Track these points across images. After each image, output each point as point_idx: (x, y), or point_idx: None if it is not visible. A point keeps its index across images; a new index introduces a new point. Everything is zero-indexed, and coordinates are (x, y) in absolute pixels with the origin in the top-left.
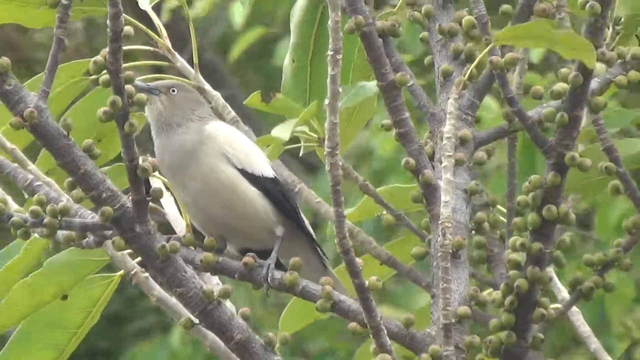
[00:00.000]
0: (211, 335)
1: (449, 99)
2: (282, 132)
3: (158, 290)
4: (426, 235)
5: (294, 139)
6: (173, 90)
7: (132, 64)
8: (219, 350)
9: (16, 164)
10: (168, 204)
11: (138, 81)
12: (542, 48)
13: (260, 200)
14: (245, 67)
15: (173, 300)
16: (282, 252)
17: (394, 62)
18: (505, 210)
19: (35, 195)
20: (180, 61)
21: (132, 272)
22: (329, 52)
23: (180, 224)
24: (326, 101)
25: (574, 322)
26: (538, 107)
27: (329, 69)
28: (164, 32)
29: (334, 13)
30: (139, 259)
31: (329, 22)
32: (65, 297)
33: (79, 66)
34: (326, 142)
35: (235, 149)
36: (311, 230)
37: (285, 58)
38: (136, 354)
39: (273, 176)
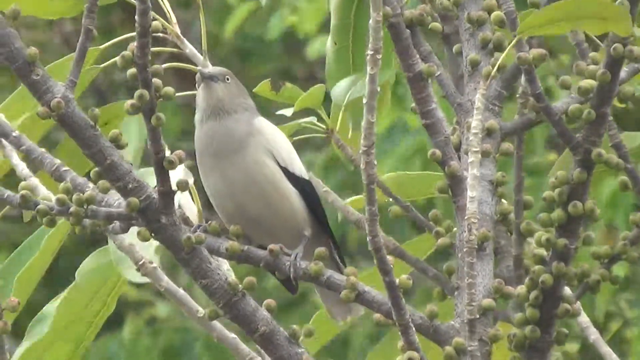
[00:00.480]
0: (219, 326)
1: (476, 89)
2: (286, 111)
3: (166, 280)
4: (433, 227)
5: (300, 130)
6: (227, 79)
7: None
8: (226, 342)
9: (43, 149)
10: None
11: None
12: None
13: (298, 200)
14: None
15: (181, 291)
16: (304, 254)
17: (422, 51)
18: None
19: (62, 184)
20: (189, 48)
21: (141, 263)
22: (369, 52)
23: (192, 212)
24: (364, 100)
25: None
26: (565, 97)
27: (368, 68)
28: (173, 19)
29: (375, 13)
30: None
31: (370, 21)
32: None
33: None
34: (362, 140)
35: (280, 147)
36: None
37: (327, 42)
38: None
39: (309, 178)
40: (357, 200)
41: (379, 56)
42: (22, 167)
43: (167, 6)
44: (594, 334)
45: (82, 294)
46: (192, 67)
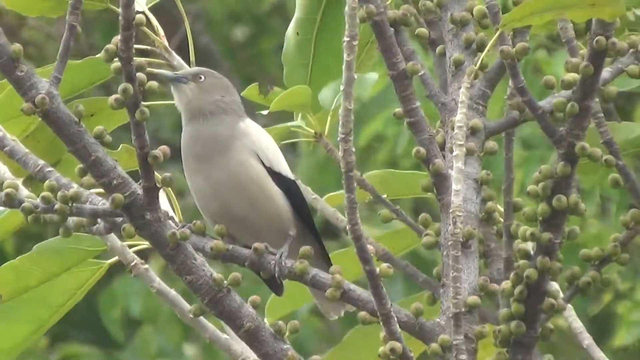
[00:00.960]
0: (211, 327)
1: (460, 88)
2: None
3: (158, 282)
4: (423, 230)
5: (290, 134)
6: (200, 77)
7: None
8: (219, 343)
9: (27, 150)
10: (160, 198)
11: (164, 71)
12: (550, 19)
13: (283, 200)
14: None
15: (173, 292)
16: (289, 254)
17: (405, 51)
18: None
19: (47, 181)
20: (177, 60)
21: (132, 264)
22: (345, 38)
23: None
24: (341, 87)
25: (567, 318)
26: (549, 97)
27: (345, 55)
28: (161, 32)
29: (351, 0)
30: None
31: (346, 8)
32: None
33: None
34: (340, 127)
35: (265, 148)
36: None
37: (289, 28)
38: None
39: (294, 178)
40: (335, 196)
41: (355, 42)
42: (4, 171)
43: (154, 20)
44: (587, 339)
45: (36, 267)
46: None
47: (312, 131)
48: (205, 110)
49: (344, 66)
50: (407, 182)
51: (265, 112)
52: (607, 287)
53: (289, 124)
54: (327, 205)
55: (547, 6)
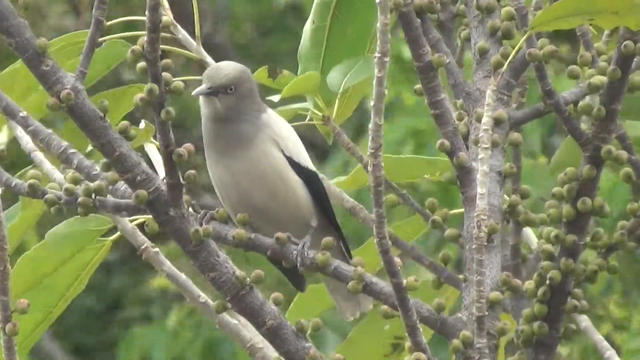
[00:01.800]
0: None
1: (485, 77)
2: (274, 97)
3: (168, 265)
4: (429, 214)
5: (298, 118)
6: (230, 89)
7: (134, 33)
8: (227, 328)
9: (51, 130)
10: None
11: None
12: (578, 24)
13: (303, 191)
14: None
15: (183, 276)
16: (311, 245)
17: (431, 39)
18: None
19: (69, 173)
20: (182, 33)
21: (143, 247)
22: (376, 54)
23: None
24: (371, 102)
25: None
26: (573, 87)
27: (376, 70)
28: (165, 4)
29: (383, 16)
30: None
31: (378, 24)
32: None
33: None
34: (370, 142)
35: (285, 138)
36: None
37: (307, 22)
38: (135, 338)
39: (315, 170)
40: (345, 182)
41: (387, 59)
42: (26, 141)
43: None
44: (584, 321)
45: (50, 254)
46: (185, 52)
47: (320, 114)
48: (229, 118)
49: (374, 81)
50: (409, 167)
51: (276, 99)
52: (614, 274)
53: (296, 105)
54: (334, 185)
55: (575, 11)
